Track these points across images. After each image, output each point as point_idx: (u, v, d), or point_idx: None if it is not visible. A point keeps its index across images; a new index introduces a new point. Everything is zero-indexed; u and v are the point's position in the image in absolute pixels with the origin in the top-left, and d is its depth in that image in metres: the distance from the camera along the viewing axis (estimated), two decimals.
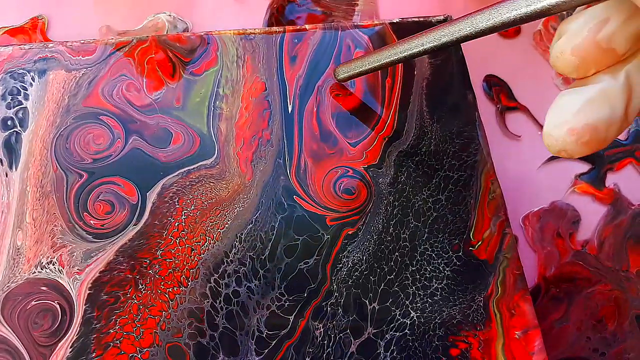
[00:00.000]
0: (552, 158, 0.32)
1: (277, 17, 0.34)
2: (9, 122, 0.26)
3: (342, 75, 0.27)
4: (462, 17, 0.21)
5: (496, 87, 0.34)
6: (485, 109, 0.33)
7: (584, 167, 0.32)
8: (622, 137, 0.33)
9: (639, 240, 0.30)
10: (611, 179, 0.32)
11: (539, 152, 0.32)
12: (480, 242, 0.25)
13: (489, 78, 0.34)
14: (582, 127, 0.16)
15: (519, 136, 0.33)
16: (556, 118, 0.17)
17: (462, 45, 0.30)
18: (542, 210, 0.31)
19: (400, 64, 0.29)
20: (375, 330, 0.23)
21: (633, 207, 0.31)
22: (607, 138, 0.16)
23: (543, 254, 0.30)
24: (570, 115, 0.16)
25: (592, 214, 0.31)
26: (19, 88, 0.27)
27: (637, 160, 0.32)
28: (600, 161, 0.32)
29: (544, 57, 0.35)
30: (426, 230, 0.25)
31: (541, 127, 0.33)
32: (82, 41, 0.28)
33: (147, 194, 0.25)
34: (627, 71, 0.16)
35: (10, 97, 0.26)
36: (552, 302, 0.29)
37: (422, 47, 0.23)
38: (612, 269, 0.29)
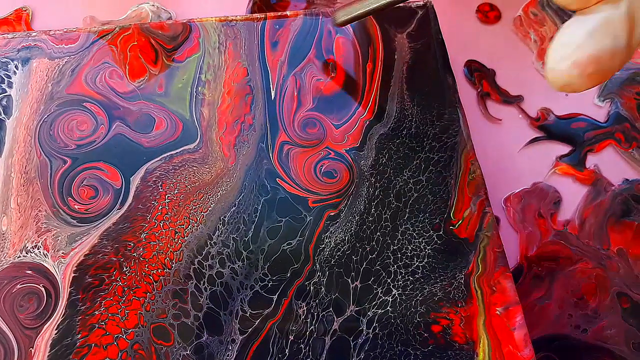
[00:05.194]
0: (533, 140, 0.33)
1: (259, 5, 0.34)
2: None
3: (340, 19, 0.27)
4: None
5: (478, 72, 0.34)
6: (467, 94, 0.33)
7: (565, 149, 0.32)
8: (602, 119, 0.33)
9: (619, 220, 0.30)
10: (591, 161, 0.32)
11: (520, 135, 0.33)
12: (460, 221, 0.25)
13: (470, 63, 0.34)
14: (585, 59, 0.16)
15: (500, 120, 0.33)
16: (559, 52, 0.16)
17: (443, 31, 0.30)
18: (523, 192, 0.31)
19: (381, 49, 0.29)
20: (357, 308, 0.24)
21: (613, 188, 0.31)
22: (611, 68, 0.16)
23: (525, 234, 0.30)
24: (573, 48, 0.16)
25: (573, 195, 0.31)
26: (3, 76, 0.27)
27: (617, 142, 0.33)
28: (580, 143, 0.33)
29: (524, 42, 0.35)
30: (407, 210, 0.26)
31: (522, 110, 0.33)
32: (65, 30, 0.28)
33: (131, 178, 0.25)
34: None
35: None
36: (534, 281, 0.29)
37: None
38: (593, 248, 0.30)
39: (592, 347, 0.28)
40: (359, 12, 0.26)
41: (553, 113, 0.33)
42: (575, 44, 0.16)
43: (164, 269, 0.24)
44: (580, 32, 0.16)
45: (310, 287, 0.24)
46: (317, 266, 0.24)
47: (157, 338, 0.23)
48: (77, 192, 0.25)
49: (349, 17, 0.27)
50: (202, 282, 0.24)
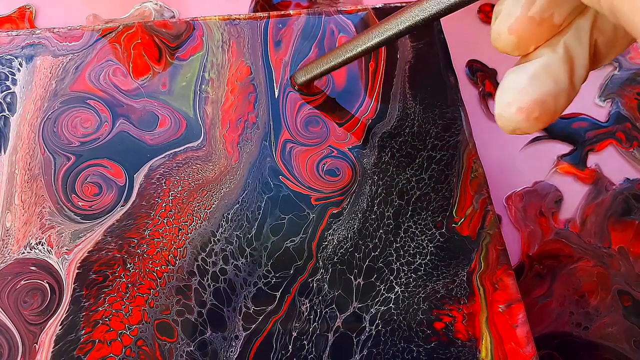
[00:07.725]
0: (535, 139, 0.33)
1: (262, 5, 0.34)
2: None
3: (300, 80, 0.27)
4: (403, 8, 0.21)
5: (479, 72, 0.34)
6: (469, 93, 0.33)
7: (566, 148, 0.33)
8: (602, 118, 0.33)
9: (619, 219, 0.31)
10: (592, 160, 0.32)
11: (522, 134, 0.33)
12: (463, 219, 0.26)
13: (471, 63, 0.34)
14: (530, 104, 0.16)
15: None
16: (504, 98, 0.17)
17: (445, 31, 0.30)
18: (525, 190, 0.31)
19: (383, 49, 0.29)
20: (360, 305, 0.24)
21: (614, 187, 0.32)
22: (556, 110, 0.17)
23: (526, 233, 0.30)
24: (517, 94, 0.16)
25: (574, 194, 0.31)
26: (7, 73, 0.27)
27: (617, 141, 0.33)
28: (581, 142, 0.33)
29: None
30: (410, 208, 0.26)
31: None
32: (69, 27, 0.28)
33: (135, 175, 0.25)
34: (565, 42, 0.16)
35: None
36: (535, 279, 0.29)
37: (370, 42, 0.23)
38: (594, 246, 0.30)
39: (594, 344, 0.28)
40: (317, 71, 0.26)
41: None
42: (518, 89, 0.16)
43: (168, 265, 0.24)
44: (522, 77, 0.17)
45: (313, 284, 0.24)
46: (320, 263, 0.24)
47: (160, 334, 0.23)
48: (80, 189, 0.25)
49: (308, 77, 0.27)
50: (205, 279, 0.24)
